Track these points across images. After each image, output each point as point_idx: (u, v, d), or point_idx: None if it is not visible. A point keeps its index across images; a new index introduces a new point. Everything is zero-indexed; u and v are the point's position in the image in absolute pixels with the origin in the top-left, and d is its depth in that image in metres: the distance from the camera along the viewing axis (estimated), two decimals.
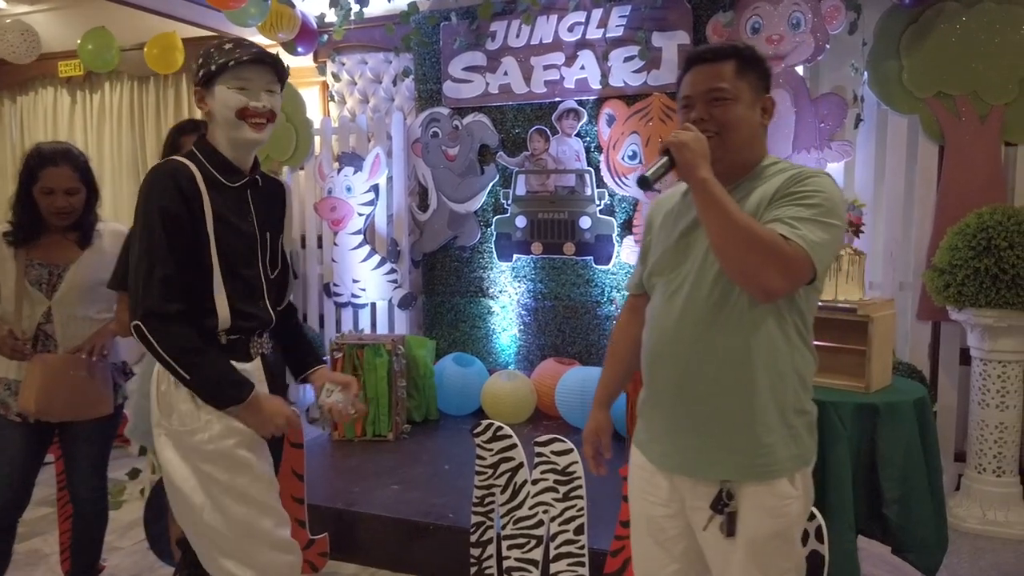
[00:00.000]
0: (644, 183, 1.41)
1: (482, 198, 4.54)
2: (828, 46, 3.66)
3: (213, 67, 1.67)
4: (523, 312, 4.53)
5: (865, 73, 3.69)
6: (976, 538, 3.19)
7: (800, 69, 3.77)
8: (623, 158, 4.15)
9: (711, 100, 1.48)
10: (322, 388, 1.91)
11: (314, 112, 5.14)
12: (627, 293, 1.80)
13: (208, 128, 1.77)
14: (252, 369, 1.78)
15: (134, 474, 3.62)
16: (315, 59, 5.01)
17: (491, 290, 4.60)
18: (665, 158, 1.41)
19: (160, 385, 1.73)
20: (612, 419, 1.81)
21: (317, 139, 4.90)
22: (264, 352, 1.83)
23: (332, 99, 5.03)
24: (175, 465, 1.73)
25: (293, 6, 4.29)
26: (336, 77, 4.97)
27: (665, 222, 1.63)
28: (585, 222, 4.29)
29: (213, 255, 1.69)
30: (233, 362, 1.73)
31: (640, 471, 1.63)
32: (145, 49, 4.58)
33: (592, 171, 4.25)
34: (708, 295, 1.47)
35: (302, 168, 4.94)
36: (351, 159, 4.61)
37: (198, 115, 5.47)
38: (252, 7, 3.63)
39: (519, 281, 4.53)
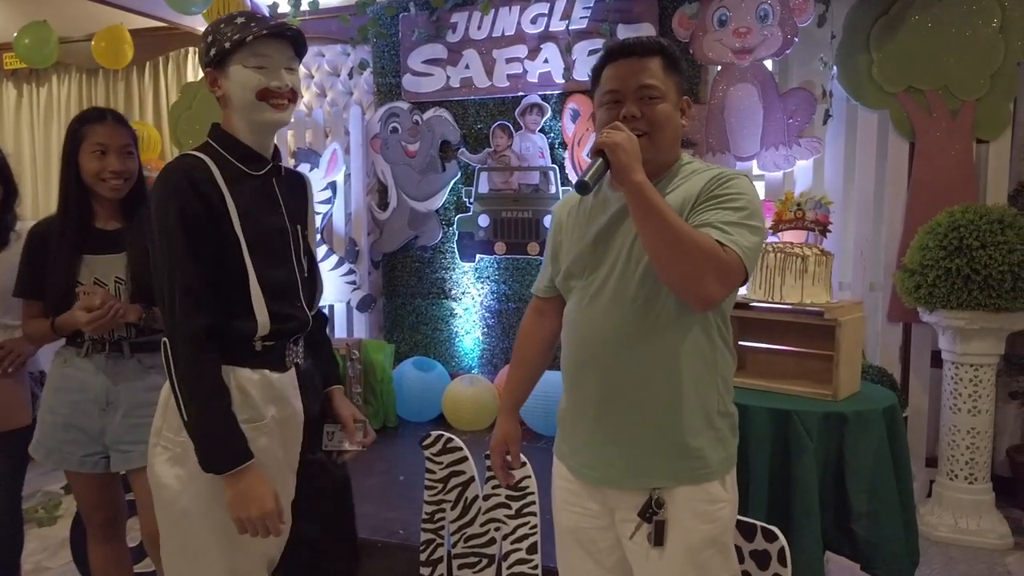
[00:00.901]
0: (584, 188, 1.32)
1: (443, 196, 4.38)
2: (796, 39, 3.56)
3: (227, 44, 1.50)
4: (486, 314, 4.39)
5: (834, 67, 3.60)
6: (948, 547, 3.10)
7: (768, 63, 3.66)
8: (588, 155, 4.01)
9: (641, 97, 1.42)
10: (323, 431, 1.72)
11: None
12: (533, 295, 1.72)
13: (223, 113, 1.60)
14: (286, 381, 1.61)
15: (70, 488, 3.41)
16: None
17: (453, 292, 4.45)
18: (600, 160, 1.32)
19: None
20: (520, 426, 1.75)
21: None
22: (298, 362, 1.66)
23: None
24: (181, 484, 1.53)
25: None
26: None
27: (577, 220, 1.55)
28: (549, 221, 4.14)
29: (245, 255, 1.52)
30: (267, 372, 1.57)
31: (565, 483, 1.58)
32: (92, 43, 4.38)
33: (556, 168, 4.11)
34: (633, 299, 1.42)
35: None
36: (307, 155, 4.44)
37: (149, 108, 5.36)
38: None
39: (482, 282, 4.38)
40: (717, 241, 1.31)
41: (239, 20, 1.52)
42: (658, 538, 1.42)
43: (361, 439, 1.74)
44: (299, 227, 1.66)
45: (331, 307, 4.57)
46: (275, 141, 1.65)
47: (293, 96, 1.57)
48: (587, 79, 3.95)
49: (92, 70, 5.47)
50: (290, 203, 1.65)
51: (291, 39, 1.56)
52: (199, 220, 1.48)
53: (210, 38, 1.54)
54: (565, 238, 1.58)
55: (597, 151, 1.33)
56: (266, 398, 1.57)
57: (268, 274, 1.56)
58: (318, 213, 4.42)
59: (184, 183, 1.48)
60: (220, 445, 1.47)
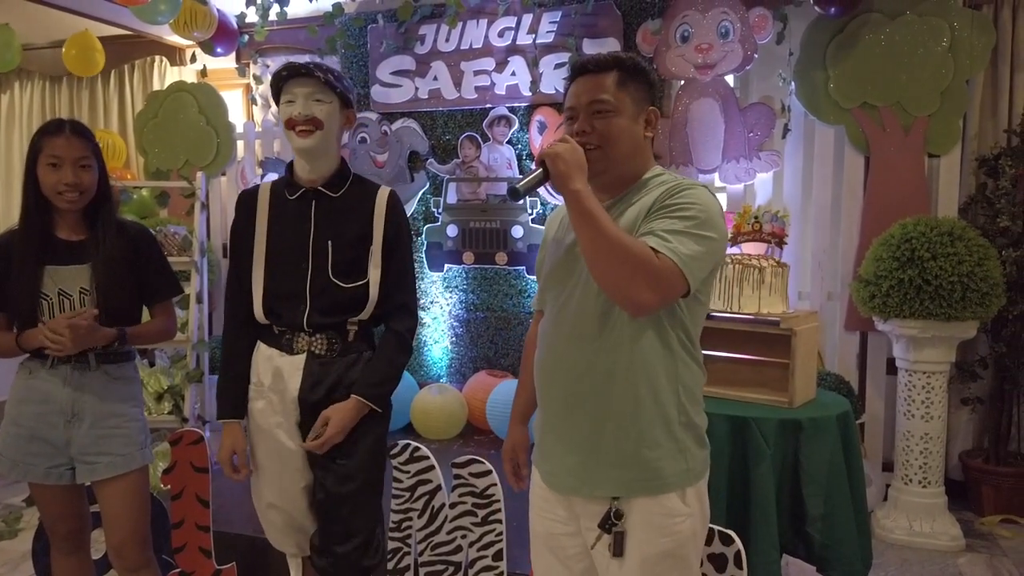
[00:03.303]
0: (514, 194, 1.37)
1: (412, 206, 4.41)
2: (756, 56, 3.66)
3: (273, 91, 1.88)
4: (455, 323, 4.42)
5: (792, 83, 3.70)
6: (903, 549, 3.19)
7: (729, 78, 3.76)
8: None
9: (593, 112, 1.45)
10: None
11: (237, 115, 4.94)
12: (534, 310, 1.77)
13: None
14: (289, 362, 1.91)
15: (32, 500, 3.37)
16: (237, 60, 4.81)
17: (422, 301, 4.47)
18: (540, 170, 1.37)
19: None
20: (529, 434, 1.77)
21: (240, 143, 4.70)
22: (316, 352, 1.90)
23: (255, 102, 4.84)
24: None
25: (206, 3, 4.09)
26: (259, 79, 4.78)
27: (556, 235, 1.60)
28: (517, 231, 4.20)
29: (255, 262, 1.90)
30: (275, 351, 1.92)
31: (540, 490, 1.61)
32: (63, 50, 4.33)
33: None
34: (592, 309, 1.45)
35: (223, 174, 4.74)
36: (275, 165, 4.43)
37: (114, 116, 5.30)
38: (162, 3, 3.44)
39: (450, 292, 4.42)
40: (652, 248, 1.32)
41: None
42: (617, 549, 1.44)
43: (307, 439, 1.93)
44: (332, 243, 1.88)
45: None
46: (329, 167, 1.90)
47: (318, 123, 1.83)
48: (554, 92, 4.06)
49: (56, 77, 5.39)
50: (329, 222, 1.89)
51: (311, 75, 1.81)
52: (240, 230, 1.94)
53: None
54: (548, 252, 1.62)
55: (540, 161, 1.37)
56: (267, 370, 1.93)
57: (277, 279, 1.89)
58: None
59: (238, 201, 1.98)
60: (219, 400, 1.97)
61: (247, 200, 1.96)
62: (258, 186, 1.97)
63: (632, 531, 1.44)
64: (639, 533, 1.44)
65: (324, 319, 1.88)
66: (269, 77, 4.77)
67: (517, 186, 1.36)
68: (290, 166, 1.94)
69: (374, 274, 1.90)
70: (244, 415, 1.98)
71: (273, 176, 4.36)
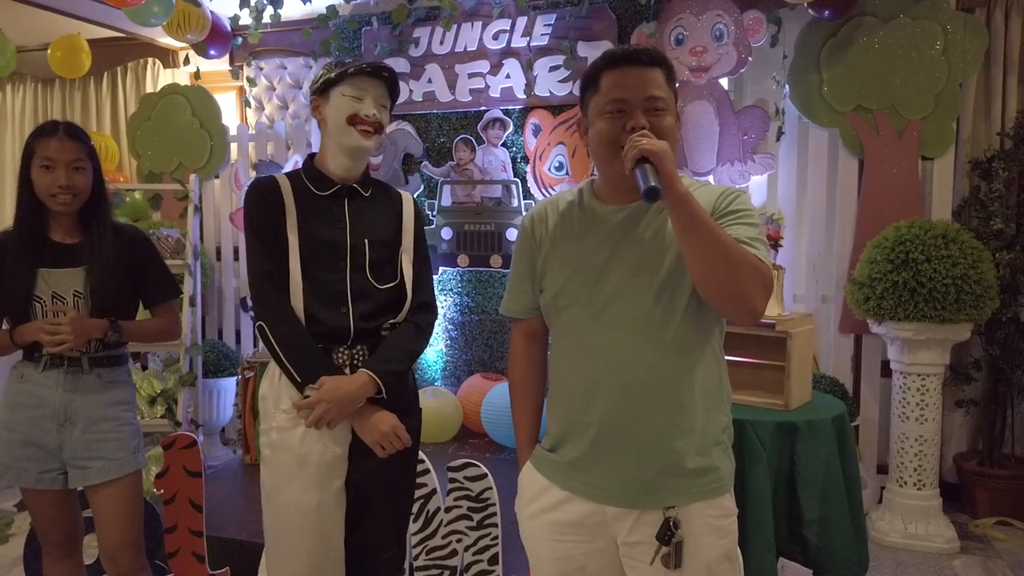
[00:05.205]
0: (658, 194, 1.22)
1: None
2: (750, 59, 3.66)
3: (333, 75, 1.78)
4: (449, 327, 4.41)
5: (786, 86, 3.71)
6: (898, 552, 3.20)
7: (724, 81, 3.76)
8: (550, 169, 4.08)
9: (649, 108, 1.37)
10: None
11: (230, 118, 4.93)
12: (513, 318, 1.62)
13: (321, 139, 1.84)
14: None
15: (23, 506, 3.34)
16: (231, 62, 4.80)
17: None
18: (648, 165, 1.25)
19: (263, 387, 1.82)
20: None
21: (233, 146, 4.68)
22: (358, 364, 1.78)
23: (248, 104, 4.83)
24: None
25: (199, 5, 4.08)
26: (252, 82, 4.77)
27: (562, 234, 1.48)
28: (512, 234, 4.19)
29: (291, 259, 1.75)
30: None
31: (552, 514, 1.47)
32: (48, 52, 4.31)
33: (519, 182, 4.16)
34: (649, 316, 1.38)
35: (217, 177, 4.72)
36: (269, 167, 4.41)
37: (107, 118, 5.28)
38: (155, 5, 3.42)
39: (445, 295, 4.40)
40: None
41: (347, 61, 1.80)
42: (677, 559, 1.38)
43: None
44: (368, 241, 1.80)
45: None
46: (362, 167, 1.84)
47: (379, 127, 1.79)
48: (548, 95, 4.05)
49: (48, 79, 5.36)
50: (362, 221, 1.81)
51: (386, 80, 1.80)
52: (264, 225, 1.76)
53: (321, 71, 1.82)
54: (550, 254, 1.49)
55: (641, 158, 1.25)
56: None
57: (317, 280, 1.76)
58: None
59: (255, 194, 1.78)
60: (300, 366, 1.72)
61: (269, 192, 1.78)
62: (273, 177, 1.81)
63: (691, 539, 1.39)
64: (699, 539, 1.40)
65: (366, 324, 1.78)
66: (262, 79, 4.81)
67: (655, 185, 1.22)
68: (309, 160, 1.84)
69: (408, 271, 1.84)
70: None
71: None
